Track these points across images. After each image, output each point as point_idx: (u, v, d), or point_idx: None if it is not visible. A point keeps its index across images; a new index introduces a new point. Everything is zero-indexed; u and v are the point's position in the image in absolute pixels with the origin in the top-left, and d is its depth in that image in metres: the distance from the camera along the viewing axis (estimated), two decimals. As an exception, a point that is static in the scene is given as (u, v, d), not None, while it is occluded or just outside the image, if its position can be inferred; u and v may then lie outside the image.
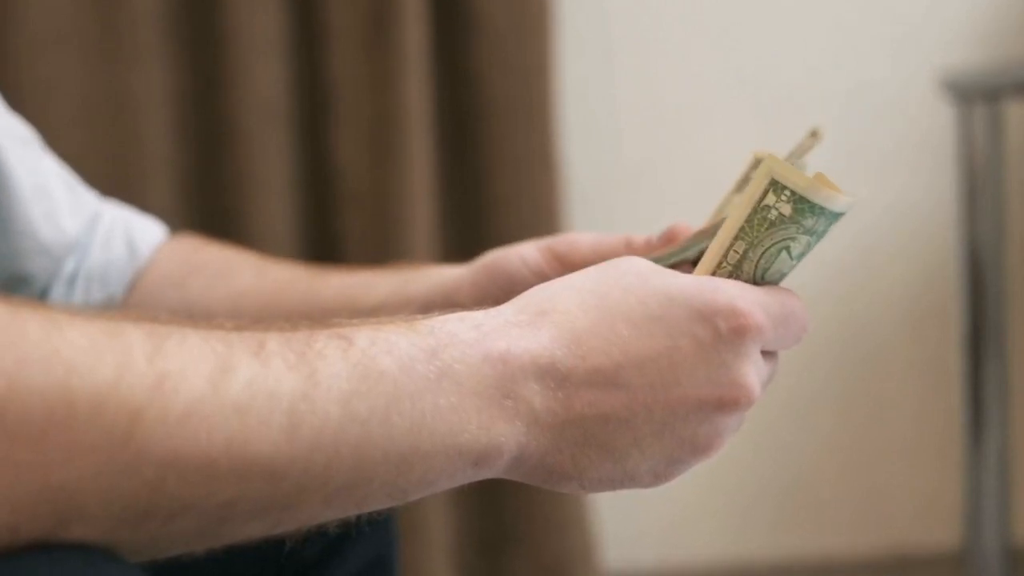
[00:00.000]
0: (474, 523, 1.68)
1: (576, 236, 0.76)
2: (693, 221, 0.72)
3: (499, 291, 0.75)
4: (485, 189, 1.64)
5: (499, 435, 0.50)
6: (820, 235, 0.55)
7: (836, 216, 0.54)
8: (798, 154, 0.68)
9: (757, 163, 0.68)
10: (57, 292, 0.87)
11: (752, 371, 0.54)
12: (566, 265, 0.74)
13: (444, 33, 1.62)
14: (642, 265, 0.55)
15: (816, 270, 1.76)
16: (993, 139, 1.45)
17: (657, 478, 0.55)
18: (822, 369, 1.80)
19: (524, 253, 0.76)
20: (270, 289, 0.85)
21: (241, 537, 0.47)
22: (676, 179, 1.76)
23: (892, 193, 1.77)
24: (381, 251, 1.57)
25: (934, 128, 1.73)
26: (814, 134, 0.68)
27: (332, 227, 1.63)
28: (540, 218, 1.62)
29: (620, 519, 1.79)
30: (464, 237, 1.64)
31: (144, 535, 0.43)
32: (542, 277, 0.73)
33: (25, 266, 0.85)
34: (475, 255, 0.79)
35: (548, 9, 1.63)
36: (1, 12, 1.51)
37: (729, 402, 0.53)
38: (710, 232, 0.66)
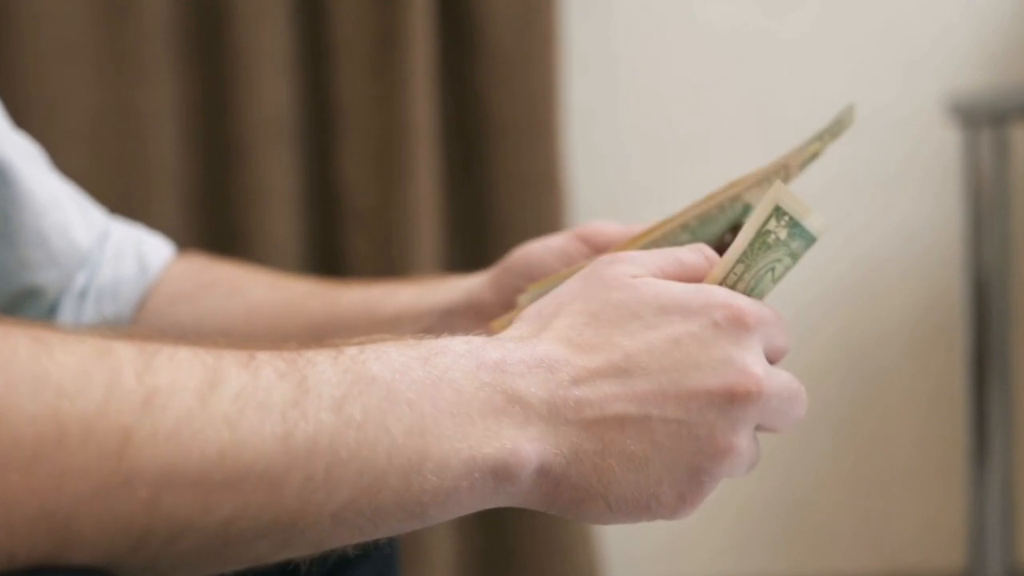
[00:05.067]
0: (477, 544, 1.67)
1: (602, 223, 0.76)
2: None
3: (522, 281, 0.75)
4: (490, 209, 1.63)
5: (512, 440, 0.49)
6: (797, 259, 0.56)
7: (814, 240, 0.56)
8: (803, 158, 0.68)
9: (730, 185, 0.70)
10: (68, 306, 0.86)
11: (756, 361, 0.53)
12: (592, 246, 0.74)
13: (451, 53, 1.62)
14: (627, 276, 0.55)
15: (821, 292, 1.76)
16: (1000, 163, 1.45)
17: (682, 499, 0.55)
18: (826, 391, 1.80)
19: (547, 241, 0.76)
20: (286, 301, 0.85)
21: (250, 559, 0.46)
22: (681, 202, 1.75)
23: (898, 216, 1.77)
24: (386, 269, 1.57)
25: (940, 152, 1.73)
26: (840, 122, 0.69)
27: (337, 244, 1.63)
28: (545, 238, 1.62)
29: (624, 539, 1.78)
30: (469, 257, 1.64)
31: (145, 558, 0.43)
32: (566, 260, 0.74)
33: (35, 278, 0.85)
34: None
35: (555, 30, 1.63)
36: (9, 27, 1.52)
37: (740, 392, 0.52)
38: (679, 218, 0.70)
